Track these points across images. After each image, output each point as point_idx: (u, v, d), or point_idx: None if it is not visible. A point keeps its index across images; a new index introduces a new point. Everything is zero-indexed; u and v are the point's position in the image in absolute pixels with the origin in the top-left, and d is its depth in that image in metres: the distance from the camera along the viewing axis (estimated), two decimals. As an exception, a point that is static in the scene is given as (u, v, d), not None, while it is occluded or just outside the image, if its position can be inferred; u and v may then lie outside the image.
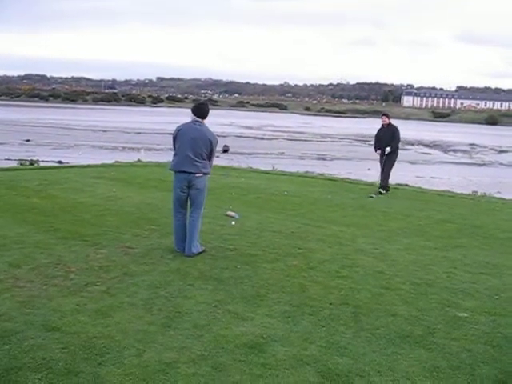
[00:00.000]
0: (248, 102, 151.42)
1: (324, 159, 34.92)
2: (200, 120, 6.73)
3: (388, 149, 12.58)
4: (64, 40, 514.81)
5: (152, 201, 10.27)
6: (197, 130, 6.64)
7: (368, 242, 7.84)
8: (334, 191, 12.80)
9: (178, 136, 6.73)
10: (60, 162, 29.04)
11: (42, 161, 26.28)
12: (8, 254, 6.40)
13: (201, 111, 6.77)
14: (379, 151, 12.92)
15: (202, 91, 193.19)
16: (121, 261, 6.35)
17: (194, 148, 6.56)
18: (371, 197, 12.15)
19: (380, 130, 13.05)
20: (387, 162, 12.77)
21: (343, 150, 42.71)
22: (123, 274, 5.89)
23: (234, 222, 8.42)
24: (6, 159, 29.02)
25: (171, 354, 4.03)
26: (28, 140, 42.53)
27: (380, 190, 12.67)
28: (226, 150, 7.97)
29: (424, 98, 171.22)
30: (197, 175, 6.61)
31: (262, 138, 50.90)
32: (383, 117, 13.14)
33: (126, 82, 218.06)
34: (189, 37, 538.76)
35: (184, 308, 4.98)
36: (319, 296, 5.45)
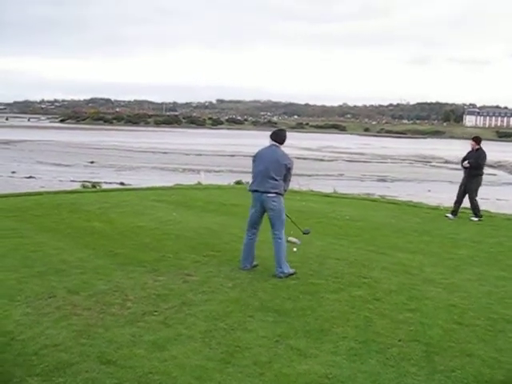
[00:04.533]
0: (307, 124, 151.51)
1: (384, 181, 34.24)
2: (277, 144, 7.09)
3: (466, 162, 12.02)
4: (127, 65, 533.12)
5: (212, 225, 10.13)
6: (272, 153, 7.00)
7: (436, 272, 7.39)
8: (398, 215, 12.34)
9: (255, 159, 7.16)
10: (122, 183, 29.65)
11: (105, 182, 26.98)
12: (67, 279, 6.35)
13: (278, 136, 7.16)
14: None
15: (262, 113, 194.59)
16: (179, 289, 6.18)
17: (268, 170, 6.88)
18: (446, 216, 12.18)
19: (468, 153, 12.37)
20: (468, 187, 12.12)
21: (404, 171, 41.80)
22: (181, 303, 5.71)
23: (295, 249, 8.13)
24: (71, 181, 29.90)
25: (230, 395, 3.79)
26: (92, 162, 43.78)
27: (472, 217, 12.04)
28: (305, 233, 8.09)
29: (487, 117, 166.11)
30: (268, 195, 6.87)
31: (322, 160, 50.55)
32: (472, 141, 12.47)
33: (187, 105, 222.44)
34: (248, 59, 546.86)
35: (244, 342, 4.73)
36: (387, 331, 5.09)
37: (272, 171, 6.87)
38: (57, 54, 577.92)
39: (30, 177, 32.43)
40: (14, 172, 34.34)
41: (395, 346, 4.79)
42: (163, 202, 13.03)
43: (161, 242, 8.50)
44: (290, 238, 8.67)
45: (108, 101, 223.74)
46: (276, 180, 6.89)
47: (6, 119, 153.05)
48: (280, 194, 6.98)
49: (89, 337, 4.70)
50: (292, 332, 5.00)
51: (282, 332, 4.99)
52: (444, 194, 20.47)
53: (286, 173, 6.99)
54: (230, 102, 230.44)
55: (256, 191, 7.03)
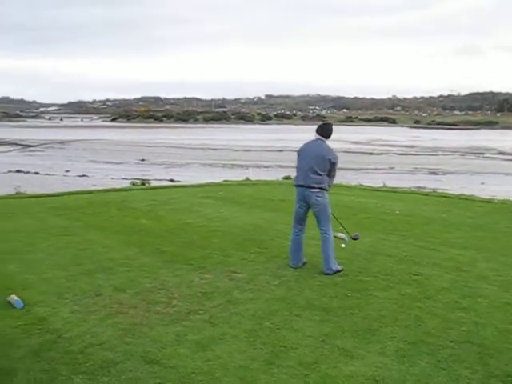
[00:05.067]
0: (356, 117, 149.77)
1: (436, 173, 33.45)
2: (322, 138, 6.93)
3: None
4: (176, 63, 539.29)
5: (259, 221, 10.06)
6: (316, 148, 6.86)
7: (490, 268, 7.08)
8: (449, 209, 11.94)
9: (300, 153, 7.02)
10: (172, 180, 30.03)
11: (155, 179, 27.33)
12: (114, 277, 6.40)
13: (323, 130, 7.00)
14: None
15: (310, 107, 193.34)
16: (225, 287, 6.13)
17: (311, 164, 6.74)
18: None
19: None
20: None
21: (456, 163, 40.75)
22: (227, 301, 5.65)
23: (343, 245, 7.97)
24: (122, 178, 30.48)
25: (274, 397, 3.70)
26: (143, 159, 44.54)
27: None
28: (355, 238, 8.02)
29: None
30: (312, 190, 6.73)
31: (371, 153, 49.82)
32: None
33: (236, 101, 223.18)
34: (296, 54, 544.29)
35: (289, 342, 4.63)
36: (438, 331, 4.88)
37: (316, 166, 6.73)
38: (108, 54, 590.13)
39: (83, 175, 33.26)
40: (67, 171, 35.29)
41: (447, 347, 4.58)
42: (211, 199, 13.04)
43: (208, 239, 8.48)
44: (338, 234, 8.52)
45: (158, 99, 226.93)
46: (320, 175, 6.74)
47: (61, 120, 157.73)
48: (324, 189, 6.82)
49: (133, 335, 4.70)
50: (339, 331, 4.87)
51: (328, 331, 4.86)
52: (499, 187, 19.82)
53: (331, 168, 6.83)
54: (279, 97, 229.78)
55: (300, 186, 6.91)
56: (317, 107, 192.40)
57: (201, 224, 9.75)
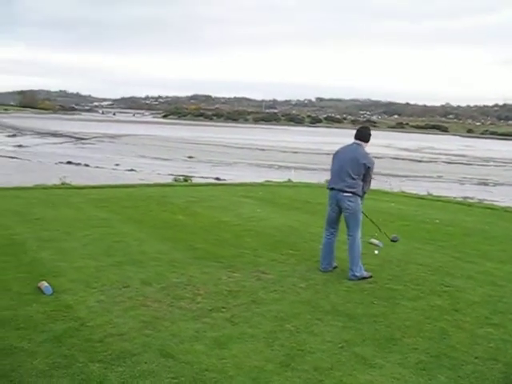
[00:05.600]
0: (407, 124, 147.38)
1: (486, 184, 32.54)
2: (359, 142, 6.84)
3: None
4: (230, 63, 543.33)
5: (294, 223, 10.02)
6: (352, 152, 6.77)
7: (529, 284, 6.84)
8: (493, 221, 11.60)
9: (335, 156, 6.97)
10: (217, 178, 30.20)
11: (201, 177, 27.57)
12: (143, 270, 6.48)
13: (361, 134, 6.91)
14: None
15: (361, 112, 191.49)
16: (251, 286, 6.12)
17: (346, 168, 6.66)
18: None
19: None
20: None
21: (508, 175, 39.54)
22: (251, 301, 5.64)
23: (377, 252, 7.84)
24: (169, 174, 30.84)
25: (284, 400, 3.67)
26: (191, 157, 44.95)
27: None
28: (394, 240, 7.92)
29: None
30: (344, 194, 6.64)
31: (420, 161, 48.89)
32: None
33: (286, 102, 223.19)
34: (348, 58, 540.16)
35: (307, 346, 4.58)
36: (463, 346, 4.74)
37: (350, 169, 6.63)
38: (162, 52, 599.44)
39: (132, 170, 33.76)
40: (117, 164, 35.91)
41: (470, 363, 4.43)
42: (250, 198, 13.06)
43: (241, 239, 8.49)
44: (373, 240, 8.43)
45: (209, 97, 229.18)
46: (353, 179, 6.64)
47: (114, 114, 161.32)
48: (357, 195, 6.71)
49: (154, 329, 4.74)
50: (359, 339, 4.78)
51: (349, 338, 4.79)
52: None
53: (366, 172, 6.71)
54: (330, 100, 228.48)
55: (332, 189, 6.84)
56: (367, 112, 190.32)
57: (236, 223, 9.77)
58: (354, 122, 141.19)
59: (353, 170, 6.64)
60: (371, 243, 8.35)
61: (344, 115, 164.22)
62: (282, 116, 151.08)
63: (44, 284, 5.58)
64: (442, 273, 7.07)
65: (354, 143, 6.88)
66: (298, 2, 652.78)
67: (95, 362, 4.06)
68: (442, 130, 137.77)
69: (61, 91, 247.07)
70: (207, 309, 5.33)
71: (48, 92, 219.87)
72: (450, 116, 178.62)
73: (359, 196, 6.78)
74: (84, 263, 6.64)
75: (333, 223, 7.00)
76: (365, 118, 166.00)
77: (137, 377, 3.87)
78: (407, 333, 4.97)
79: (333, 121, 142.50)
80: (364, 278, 6.63)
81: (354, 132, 7.04)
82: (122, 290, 5.73)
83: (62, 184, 14.54)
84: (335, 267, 7.02)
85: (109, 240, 7.88)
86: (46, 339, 4.40)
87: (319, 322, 5.13)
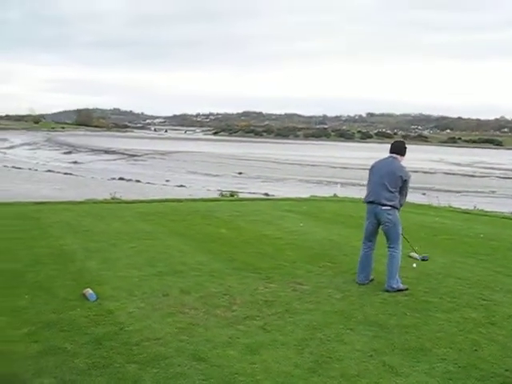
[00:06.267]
0: (460, 138, 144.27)
1: (542, 201, 31.56)
2: (395, 156, 6.94)
3: None
4: (279, 79, 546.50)
5: (336, 237, 10.10)
6: (388, 165, 6.88)
7: None
8: (543, 237, 11.34)
9: (371, 170, 7.09)
10: (266, 194, 30.40)
11: (249, 193, 27.84)
12: (183, 280, 6.72)
13: (396, 148, 7.02)
14: None
15: (412, 127, 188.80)
16: (286, 297, 6.27)
17: (383, 181, 6.76)
18: None
19: None
20: None
21: None
22: (285, 310, 5.78)
23: (415, 265, 7.85)
24: (218, 190, 31.27)
25: (308, 403, 3.79)
26: (240, 173, 45.40)
27: None
28: (423, 259, 8.04)
29: None
30: (383, 208, 6.74)
31: (472, 176, 47.85)
32: None
33: (337, 118, 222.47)
34: (398, 72, 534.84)
35: (337, 354, 4.68)
36: (494, 359, 4.73)
37: (387, 182, 6.72)
38: (213, 70, 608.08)
39: (181, 185, 34.39)
40: (167, 181, 36.66)
41: (500, 375, 4.43)
42: (293, 213, 13.21)
43: (281, 251, 8.65)
44: (412, 254, 8.42)
45: (259, 114, 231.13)
46: (391, 192, 6.73)
47: (165, 131, 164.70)
48: (395, 207, 6.79)
49: (189, 334, 4.94)
50: (389, 348, 4.85)
51: (378, 347, 4.87)
52: None
53: (402, 185, 6.78)
54: (380, 115, 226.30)
55: (371, 203, 6.92)
56: (419, 127, 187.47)
57: (278, 236, 9.93)
58: (404, 137, 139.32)
59: (390, 183, 6.73)
60: (411, 257, 8.35)
61: (395, 130, 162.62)
62: (332, 132, 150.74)
63: (89, 291, 5.89)
64: (481, 286, 7.02)
65: (389, 157, 6.97)
66: (346, 16, 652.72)
67: (131, 363, 4.29)
68: (496, 144, 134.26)
69: (114, 109, 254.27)
70: (242, 317, 5.51)
71: (102, 110, 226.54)
72: (505, 130, 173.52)
73: (397, 209, 6.86)
74: (127, 273, 6.94)
75: (370, 236, 7.09)
76: (416, 132, 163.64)
77: (169, 378, 4.08)
78: (438, 344, 5.01)
79: (383, 136, 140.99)
80: (400, 290, 6.67)
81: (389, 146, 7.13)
82: (162, 298, 5.97)
83: (112, 199, 15.06)
84: (372, 280, 7.09)
85: (152, 251, 8.18)
86: (87, 341, 4.68)
87: (350, 332, 5.23)
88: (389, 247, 6.90)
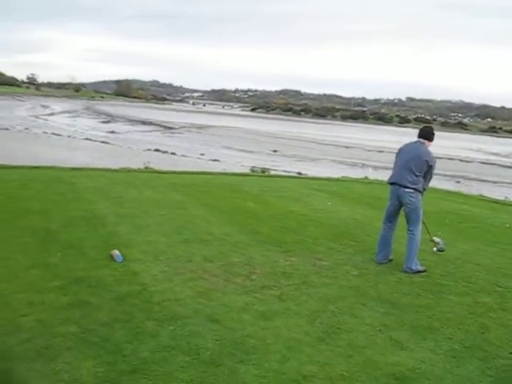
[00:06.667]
0: (501, 128, 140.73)
1: None
2: (423, 141, 7.05)
3: None
4: (318, 58, 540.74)
5: (360, 217, 10.24)
6: (414, 149, 7.00)
7: None
8: None
9: (398, 153, 7.22)
10: (299, 173, 30.47)
11: (283, 171, 27.96)
12: (207, 249, 6.99)
13: (424, 133, 7.14)
14: None
15: (452, 114, 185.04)
16: (305, 270, 6.48)
17: (408, 164, 6.88)
18: None
19: None
20: None
21: None
22: (302, 282, 6.00)
23: (435, 249, 7.96)
24: (252, 166, 31.49)
25: (312, 368, 4.01)
26: (275, 151, 45.41)
27: None
28: (440, 250, 8.10)
29: None
30: (406, 190, 6.86)
31: (510, 167, 46.95)
32: None
33: (376, 101, 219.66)
34: (440, 57, 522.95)
35: (346, 326, 4.89)
36: (500, 342, 4.86)
37: (413, 166, 6.84)
38: (253, 46, 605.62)
39: (215, 160, 34.65)
40: (202, 154, 36.96)
41: (503, 357, 4.56)
42: (322, 192, 13.35)
43: (305, 227, 8.84)
44: (435, 238, 8.50)
45: (298, 92, 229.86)
46: (416, 175, 6.85)
47: (204, 105, 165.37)
48: (418, 191, 6.91)
49: (207, 298, 5.21)
50: (398, 325, 5.03)
51: (388, 323, 5.05)
52: None
53: (427, 170, 6.90)
54: (420, 100, 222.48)
55: (394, 184, 7.06)
56: (459, 114, 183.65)
57: (303, 213, 10.12)
58: (443, 123, 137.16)
59: (415, 167, 6.85)
60: (432, 241, 8.44)
61: (434, 116, 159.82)
62: (371, 115, 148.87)
63: (116, 252, 6.21)
64: (498, 274, 7.10)
65: (417, 141, 7.08)
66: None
67: (151, 319, 4.59)
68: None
69: (154, 81, 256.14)
70: (259, 286, 5.75)
71: (142, 82, 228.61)
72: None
73: (420, 192, 6.97)
74: (155, 238, 7.24)
75: (391, 217, 7.24)
76: (456, 120, 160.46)
77: (185, 335, 4.35)
78: (446, 324, 5.16)
79: (422, 121, 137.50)
80: (418, 271, 6.82)
81: (418, 131, 7.25)
82: (185, 264, 6.26)
83: (146, 168, 15.42)
84: (390, 260, 7.24)
85: (180, 220, 8.46)
86: (111, 298, 4.99)
87: (362, 307, 5.42)
88: (408, 229, 7.03)
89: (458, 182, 27.95)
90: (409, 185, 6.87)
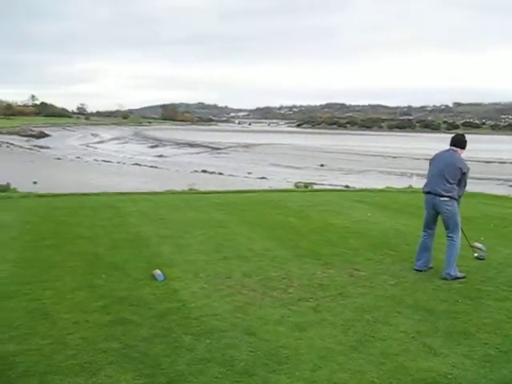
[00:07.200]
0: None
1: None
2: (455, 149, 7.12)
3: None
4: (363, 70, 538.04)
5: (401, 227, 10.21)
6: (447, 157, 7.07)
7: None
8: None
9: (431, 161, 7.29)
10: (347, 186, 30.36)
11: (330, 184, 27.96)
12: (246, 265, 7.17)
13: (456, 140, 7.20)
14: None
15: (502, 116, 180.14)
16: (341, 281, 6.57)
17: (442, 173, 6.95)
18: None
19: None
20: None
21: None
22: (338, 293, 6.10)
23: (476, 254, 7.90)
24: (298, 182, 31.61)
25: (343, 376, 4.11)
26: (322, 165, 45.41)
27: None
28: (479, 258, 8.06)
29: None
30: (441, 199, 6.93)
31: None
32: None
33: (422, 109, 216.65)
34: (487, 60, 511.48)
35: (380, 334, 4.96)
36: (538, 345, 4.84)
37: (447, 174, 6.90)
38: (296, 63, 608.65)
39: (263, 177, 34.93)
40: (249, 173, 37.31)
41: (541, 361, 4.55)
42: (363, 203, 13.35)
43: (344, 239, 8.91)
44: (476, 244, 8.44)
45: (343, 105, 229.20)
46: (450, 183, 6.90)
47: (249, 124, 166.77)
48: (453, 198, 6.94)
49: (244, 312, 5.38)
50: (432, 331, 5.06)
51: (422, 330, 5.09)
52: None
53: (461, 177, 6.94)
54: (468, 104, 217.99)
55: (429, 193, 7.11)
56: (510, 116, 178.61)
57: (344, 225, 10.18)
58: (493, 126, 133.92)
59: (449, 175, 6.90)
60: (474, 246, 8.37)
61: (483, 120, 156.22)
62: (417, 123, 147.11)
63: (157, 272, 6.46)
64: (542, 277, 6.99)
65: (450, 149, 7.15)
66: (430, 4, 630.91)
67: (188, 334, 4.80)
68: None
69: (199, 103, 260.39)
70: (296, 298, 5.88)
71: (187, 104, 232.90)
72: None
73: (455, 199, 7.00)
74: (195, 257, 7.48)
75: (430, 224, 7.30)
76: (506, 122, 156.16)
77: (221, 348, 4.53)
78: (482, 329, 5.15)
79: (471, 126, 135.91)
80: (457, 278, 6.81)
81: (450, 139, 7.30)
82: (224, 280, 6.45)
83: (190, 189, 15.78)
84: (430, 268, 7.24)
85: (221, 238, 8.68)
86: (151, 315, 5.23)
87: (397, 315, 5.47)
88: (447, 236, 7.05)
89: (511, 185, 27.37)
90: (443, 193, 6.92)
